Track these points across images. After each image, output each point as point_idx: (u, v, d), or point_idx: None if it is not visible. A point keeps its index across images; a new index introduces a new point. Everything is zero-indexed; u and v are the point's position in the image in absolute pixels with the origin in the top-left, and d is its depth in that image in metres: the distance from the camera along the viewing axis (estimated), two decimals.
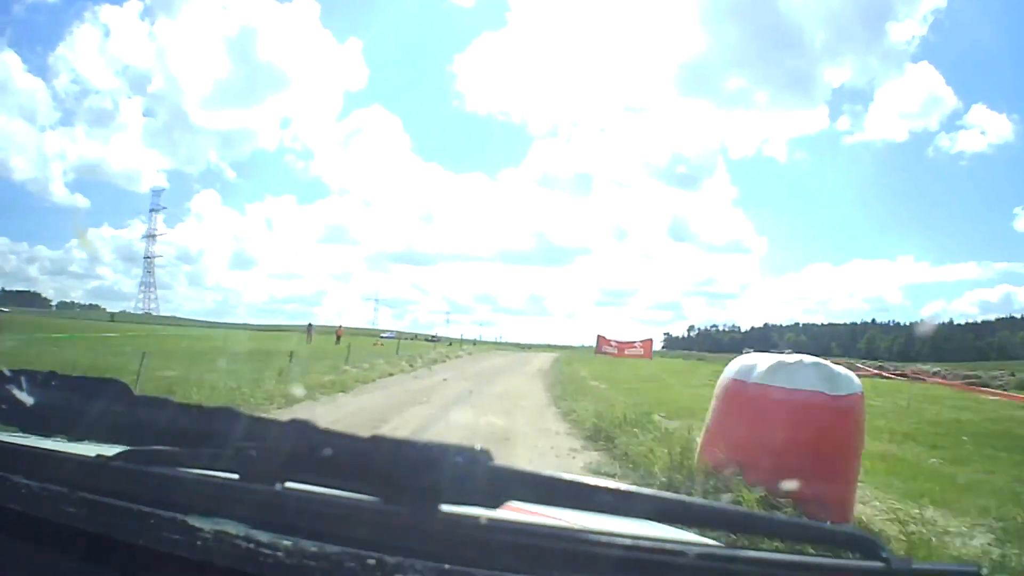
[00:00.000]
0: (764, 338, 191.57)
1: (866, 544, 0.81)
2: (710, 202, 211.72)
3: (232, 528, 0.74)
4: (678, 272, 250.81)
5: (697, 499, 0.85)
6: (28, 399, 0.95)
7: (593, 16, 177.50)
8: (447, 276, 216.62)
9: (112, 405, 0.94)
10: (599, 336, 56.32)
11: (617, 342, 55.79)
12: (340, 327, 44.75)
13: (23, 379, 0.98)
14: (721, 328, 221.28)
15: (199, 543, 0.74)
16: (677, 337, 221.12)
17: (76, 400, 0.98)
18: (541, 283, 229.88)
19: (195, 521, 0.76)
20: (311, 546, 0.72)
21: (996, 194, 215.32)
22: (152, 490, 0.82)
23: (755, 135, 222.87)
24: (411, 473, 0.74)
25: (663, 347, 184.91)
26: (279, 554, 0.71)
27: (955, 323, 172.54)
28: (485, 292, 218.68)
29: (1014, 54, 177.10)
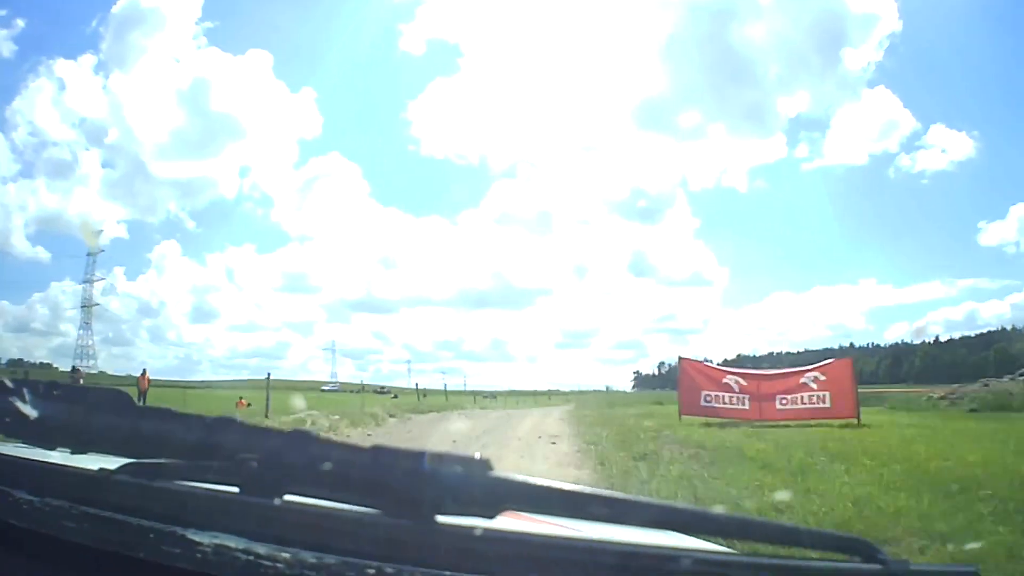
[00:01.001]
0: (739, 368, 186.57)
1: (863, 547, 0.83)
2: (671, 235, 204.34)
3: (232, 542, 0.75)
4: (639, 309, 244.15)
5: (692, 506, 0.86)
6: (31, 411, 0.95)
7: (546, 58, 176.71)
8: (408, 323, 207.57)
9: (114, 417, 0.95)
10: (686, 365, 18.03)
11: (752, 374, 18.03)
12: (240, 398, 28.37)
13: (26, 390, 0.97)
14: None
15: (199, 556, 0.75)
16: (648, 375, 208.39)
17: (79, 412, 0.99)
18: (502, 326, 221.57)
19: (195, 535, 0.77)
20: (310, 557, 0.73)
21: (959, 210, 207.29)
22: (153, 504, 0.82)
23: (714, 166, 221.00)
24: (410, 484, 0.75)
25: (633, 386, 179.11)
26: (278, 566, 0.72)
27: (942, 340, 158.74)
28: (446, 338, 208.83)
29: (971, 72, 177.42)
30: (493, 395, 71.50)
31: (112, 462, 0.90)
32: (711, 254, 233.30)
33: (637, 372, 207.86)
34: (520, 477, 0.77)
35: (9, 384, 0.98)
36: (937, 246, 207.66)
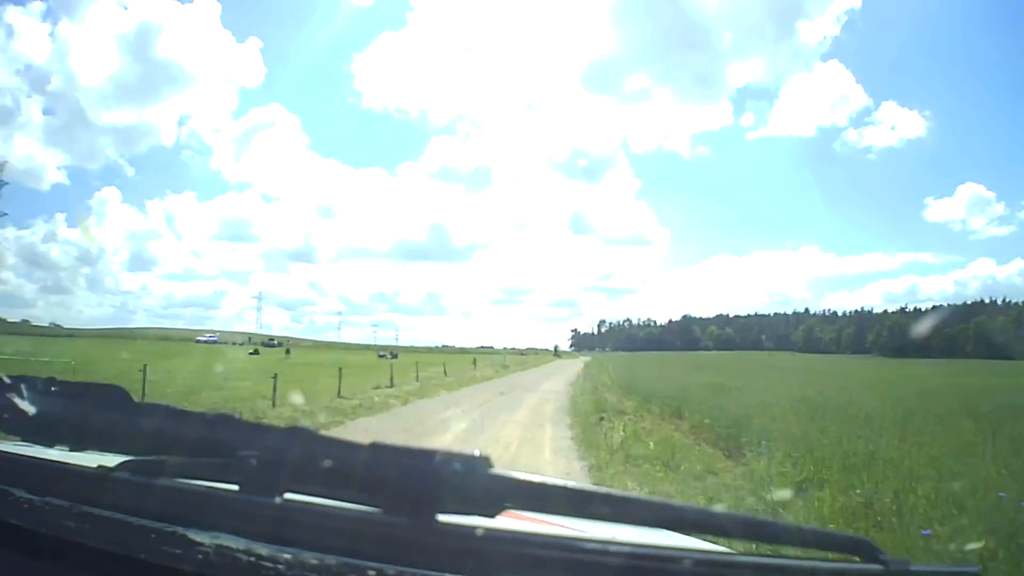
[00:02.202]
0: (685, 331, 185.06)
1: (863, 547, 0.83)
2: (612, 194, 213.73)
3: (232, 542, 0.75)
4: (578, 267, 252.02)
5: (694, 505, 0.86)
6: (29, 408, 0.96)
7: (495, 14, 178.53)
8: (344, 274, 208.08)
9: (113, 413, 0.96)
10: None
11: None
12: None
13: (24, 387, 0.99)
14: (635, 323, 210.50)
15: (199, 556, 0.75)
16: (586, 334, 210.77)
17: (77, 408, 1.01)
18: (438, 280, 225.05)
19: (195, 535, 0.77)
20: (311, 557, 0.73)
21: (906, 186, 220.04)
22: (152, 503, 0.82)
23: (658, 131, 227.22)
24: (410, 482, 0.75)
25: (571, 346, 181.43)
26: (279, 567, 0.72)
27: (911, 309, 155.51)
28: (381, 291, 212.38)
29: (927, 53, 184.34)
30: (392, 353, 59.12)
31: (111, 459, 0.90)
32: (652, 215, 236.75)
33: (575, 330, 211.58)
34: (521, 475, 0.77)
35: (7, 381, 0.99)
36: (882, 220, 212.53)
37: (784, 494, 6.49)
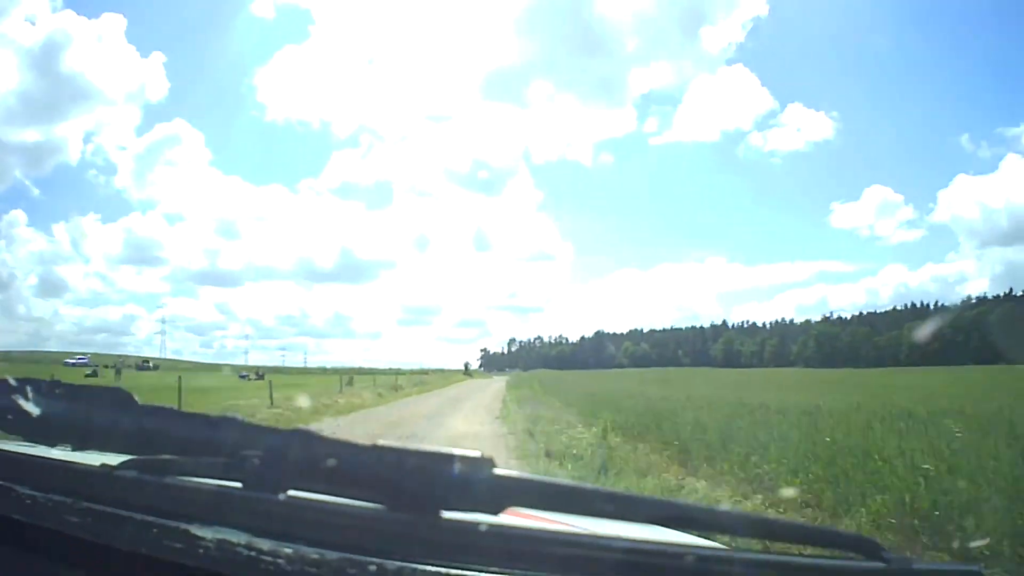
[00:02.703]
0: (599, 348, 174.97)
1: (866, 545, 0.83)
2: (513, 207, 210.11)
3: (234, 537, 0.75)
4: (482, 285, 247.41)
5: (697, 503, 0.88)
6: (33, 408, 0.96)
7: (396, 25, 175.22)
8: (252, 297, 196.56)
9: (116, 414, 0.96)
10: None
11: None
12: None
13: (28, 388, 0.98)
14: (547, 340, 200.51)
15: (201, 551, 0.76)
16: (496, 353, 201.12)
17: (80, 409, 1.01)
18: (345, 301, 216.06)
19: (197, 530, 0.77)
20: (312, 553, 0.73)
21: (812, 191, 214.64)
22: (155, 499, 0.83)
23: (559, 139, 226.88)
24: (413, 481, 0.75)
25: (480, 366, 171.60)
26: (280, 561, 0.73)
27: (836, 316, 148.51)
28: (289, 313, 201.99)
29: (835, 55, 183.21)
30: (258, 374, 54.64)
31: (113, 459, 0.91)
32: (554, 228, 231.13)
33: (485, 350, 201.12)
34: (524, 475, 0.80)
35: (12, 382, 0.99)
36: (789, 227, 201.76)
37: None
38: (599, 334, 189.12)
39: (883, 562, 0.80)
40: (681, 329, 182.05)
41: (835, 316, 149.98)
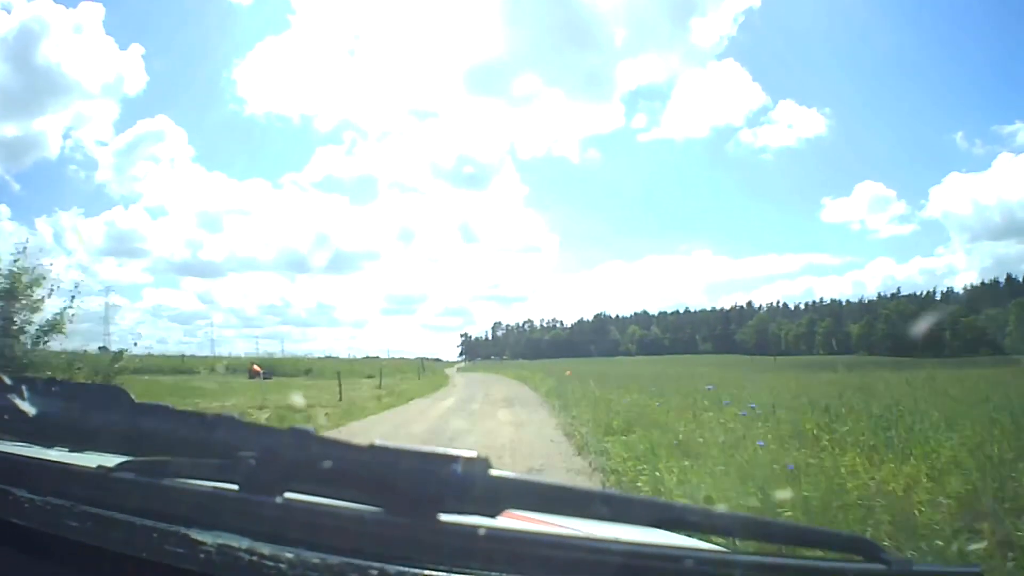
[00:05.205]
0: (600, 332, 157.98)
1: (866, 546, 0.83)
2: (499, 201, 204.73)
3: (234, 541, 0.75)
4: (467, 275, 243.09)
5: (696, 506, 0.86)
6: (29, 408, 0.96)
7: (380, 17, 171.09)
8: (235, 288, 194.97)
9: (112, 413, 0.96)
10: None
11: None
12: None
13: (23, 387, 0.98)
14: (538, 325, 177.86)
15: (202, 556, 0.75)
16: (478, 339, 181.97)
17: (77, 409, 1.00)
18: (329, 291, 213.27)
19: (197, 534, 0.76)
20: (313, 557, 0.73)
21: (802, 186, 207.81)
22: (153, 502, 0.82)
23: (546, 135, 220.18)
24: (411, 482, 0.75)
25: (461, 354, 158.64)
26: (281, 566, 0.72)
27: (866, 300, 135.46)
28: (272, 303, 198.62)
29: (828, 51, 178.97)
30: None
31: (110, 460, 0.90)
32: (541, 221, 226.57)
33: (465, 335, 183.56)
34: (522, 476, 0.79)
35: (7, 381, 0.99)
36: (777, 221, 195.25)
37: None
38: (600, 317, 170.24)
39: (883, 563, 0.80)
40: (698, 311, 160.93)
41: (889, 296, 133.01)
